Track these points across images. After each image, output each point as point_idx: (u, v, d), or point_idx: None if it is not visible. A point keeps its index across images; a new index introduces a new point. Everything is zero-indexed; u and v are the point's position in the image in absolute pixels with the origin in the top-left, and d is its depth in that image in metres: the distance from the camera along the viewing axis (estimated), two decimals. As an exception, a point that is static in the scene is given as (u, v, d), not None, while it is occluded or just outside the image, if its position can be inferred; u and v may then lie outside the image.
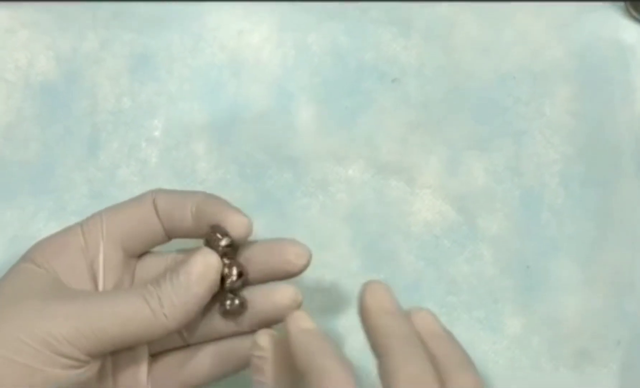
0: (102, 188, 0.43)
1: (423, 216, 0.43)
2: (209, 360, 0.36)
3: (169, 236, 0.36)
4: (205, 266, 0.33)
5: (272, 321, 0.35)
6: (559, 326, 0.41)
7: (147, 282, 0.34)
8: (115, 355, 0.35)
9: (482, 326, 0.41)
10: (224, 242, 0.34)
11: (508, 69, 0.44)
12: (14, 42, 0.44)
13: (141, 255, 0.37)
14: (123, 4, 0.44)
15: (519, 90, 0.44)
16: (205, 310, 0.35)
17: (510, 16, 0.44)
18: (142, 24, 0.44)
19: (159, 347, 0.36)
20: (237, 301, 0.34)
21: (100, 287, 0.35)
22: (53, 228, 0.38)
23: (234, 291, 0.35)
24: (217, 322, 0.35)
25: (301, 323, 0.31)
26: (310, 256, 0.35)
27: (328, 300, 0.42)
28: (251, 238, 0.35)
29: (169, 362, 0.36)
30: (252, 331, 0.35)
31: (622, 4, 0.44)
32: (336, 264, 0.42)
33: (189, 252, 0.35)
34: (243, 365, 0.35)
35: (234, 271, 0.34)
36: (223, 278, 0.34)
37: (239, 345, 0.35)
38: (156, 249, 0.37)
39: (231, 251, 0.34)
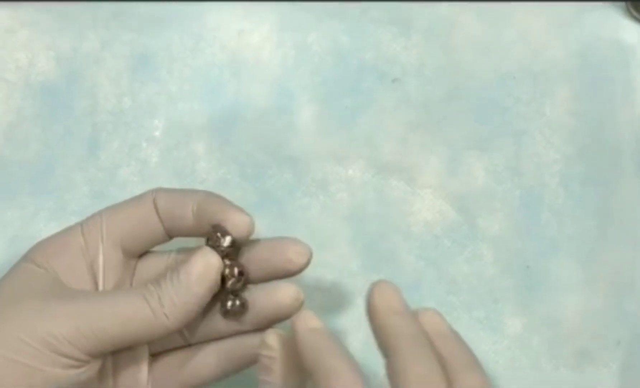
0: (103, 188, 0.43)
1: (423, 216, 0.43)
2: (210, 359, 0.36)
3: (170, 235, 0.36)
4: (205, 266, 0.33)
5: (274, 321, 0.35)
6: (559, 326, 0.41)
7: (148, 282, 0.34)
8: (115, 355, 0.35)
9: (482, 326, 0.41)
10: (225, 242, 0.34)
11: (508, 69, 0.44)
12: (14, 42, 0.44)
13: (142, 254, 0.37)
14: (123, 4, 0.44)
15: (519, 90, 0.44)
16: (206, 309, 0.35)
17: (511, 16, 0.44)
18: (143, 24, 0.44)
19: (160, 347, 0.36)
20: (238, 302, 0.34)
21: (101, 287, 0.35)
22: (53, 228, 0.38)
23: (235, 292, 0.35)
24: (218, 322, 0.35)
25: (309, 322, 0.31)
26: (311, 254, 0.35)
27: (328, 300, 0.42)
28: (252, 237, 0.35)
29: (169, 362, 0.36)
30: (254, 330, 0.35)
31: (622, 3, 0.44)
32: (336, 264, 0.42)
33: (189, 252, 0.35)
34: (244, 365, 0.36)
35: (235, 271, 0.34)
36: (224, 279, 0.34)
37: (241, 345, 0.35)
38: (157, 248, 0.37)
39: (233, 251, 0.34)
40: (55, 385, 0.31)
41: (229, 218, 0.34)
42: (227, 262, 0.34)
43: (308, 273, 0.40)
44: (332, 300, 0.42)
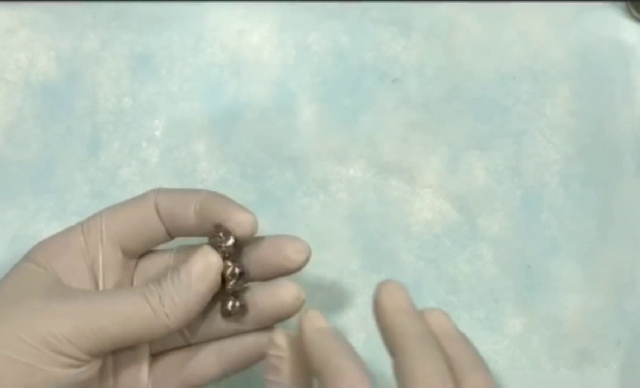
0: (103, 188, 0.43)
1: (423, 215, 0.43)
2: (211, 359, 0.36)
3: (171, 235, 0.36)
4: (206, 265, 0.33)
5: (274, 320, 0.35)
6: (559, 326, 0.41)
7: (148, 281, 0.34)
8: (116, 354, 0.35)
9: (483, 326, 0.41)
10: (228, 242, 0.34)
11: (508, 69, 0.44)
12: (15, 42, 0.44)
13: (142, 254, 0.37)
14: (123, 4, 0.44)
15: (519, 90, 0.44)
16: (207, 309, 0.35)
17: (511, 16, 0.44)
18: (143, 24, 0.44)
19: (160, 347, 0.36)
20: (238, 304, 0.34)
21: (101, 287, 0.35)
22: (54, 228, 0.38)
23: (236, 293, 0.35)
24: (218, 322, 0.35)
25: (315, 322, 0.31)
26: (310, 252, 0.35)
27: (328, 299, 0.42)
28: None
29: (170, 362, 0.36)
30: (255, 330, 0.35)
31: (622, 3, 0.44)
32: (336, 263, 0.42)
33: (190, 251, 0.35)
34: (245, 365, 0.36)
35: (236, 272, 0.34)
36: (224, 279, 0.34)
37: (241, 345, 0.35)
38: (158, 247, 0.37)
39: (235, 251, 0.34)
40: (55, 385, 0.31)
41: (232, 216, 0.34)
42: (229, 263, 0.34)
43: (308, 272, 0.40)
44: (332, 299, 0.42)
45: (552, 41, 0.44)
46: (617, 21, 0.44)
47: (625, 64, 0.44)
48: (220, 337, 0.36)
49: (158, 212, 0.35)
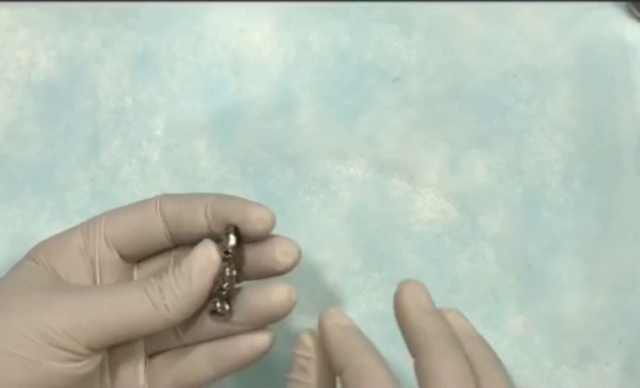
0: (104, 187, 0.43)
1: (424, 214, 0.43)
2: (203, 360, 0.35)
3: (175, 241, 0.36)
4: (207, 258, 0.33)
5: (266, 320, 0.35)
6: (561, 325, 0.41)
7: (149, 275, 0.34)
8: (112, 353, 0.35)
9: (484, 324, 0.41)
10: (230, 243, 0.34)
11: (509, 68, 0.44)
12: (15, 41, 0.44)
13: (142, 258, 0.37)
14: (124, 3, 0.44)
15: (520, 89, 0.44)
16: (200, 309, 0.35)
17: (512, 15, 0.44)
18: (143, 23, 0.44)
19: (156, 347, 0.36)
20: (227, 305, 0.34)
21: (100, 285, 0.35)
22: (55, 226, 0.38)
23: (227, 294, 0.34)
24: (210, 322, 0.35)
25: (337, 319, 0.31)
26: (299, 254, 0.35)
27: (329, 299, 0.42)
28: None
29: (164, 362, 0.36)
30: (246, 331, 0.35)
31: (624, 3, 0.44)
32: (337, 262, 0.42)
33: (189, 248, 0.35)
34: (237, 366, 0.35)
35: (233, 274, 0.34)
36: (217, 279, 0.34)
37: (234, 345, 0.35)
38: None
39: (234, 253, 0.34)
40: (54, 379, 0.31)
41: (251, 214, 0.34)
42: (226, 264, 0.34)
43: (309, 271, 0.40)
44: (333, 298, 0.42)
45: (553, 40, 0.44)
46: (618, 20, 0.44)
47: (626, 63, 0.44)
48: (212, 338, 0.35)
49: (164, 219, 0.35)
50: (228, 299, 0.34)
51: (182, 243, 0.36)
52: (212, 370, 0.35)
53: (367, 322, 0.41)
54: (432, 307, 0.31)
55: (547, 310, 0.41)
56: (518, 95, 0.44)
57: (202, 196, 0.35)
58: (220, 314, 0.34)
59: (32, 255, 0.35)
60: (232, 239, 0.34)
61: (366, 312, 0.42)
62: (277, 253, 0.34)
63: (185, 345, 0.36)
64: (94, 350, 0.32)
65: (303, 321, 0.41)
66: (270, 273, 0.35)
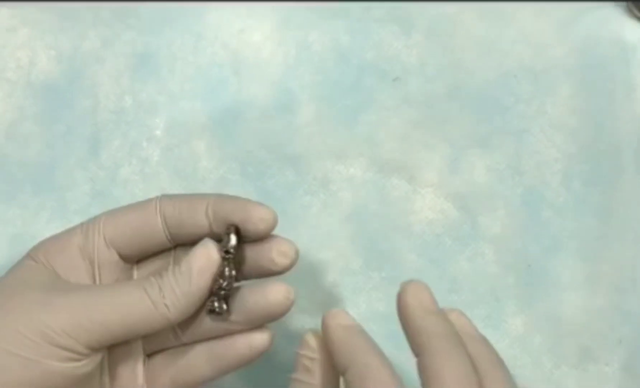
0: (104, 187, 0.43)
1: (424, 214, 0.43)
2: (201, 359, 0.35)
3: (175, 241, 0.36)
4: (207, 258, 0.33)
5: (264, 319, 0.35)
6: (561, 325, 0.41)
7: (149, 274, 0.34)
8: (111, 353, 0.35)
9: (484, 324, 0.41)
10: (230, 243, 0.34)
11: (509, 68, 0.44)
12: (15, 41, 0.44)
13: (141, 259, 0.37)
14: (124, 3, 0.44)
15: (520, 89, 0.44)
16: (199, 308, 0.35)
17: (512, 15, 0.44)
18: (143, 23, 0.44)
19: (154, 346, 0.36)
20: (224, 306, 0.34)
21: (99, 285, 0.35)
22: (55, 226, 0.38)
23: (225, 294, 0.34)
24: (208, 321, 0.35)
25: (341, 319, 0.31)
26: (296, 255, 0.35)
27: (329, 299, 0.42)
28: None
29: (162, 361, 0.36)
30: (244, 330, 0.35)
31: (624, 3, 0.44)
32: (337, 262, 0.42)
33: (189, 247, 0.35)
34: (235, 365, 0.35)
35: (232, 274, 0.34)
36: (216, 278, 0.34)
37: (232, 345, 0.35)
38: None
39: (234, 253, 0.34)
40: (53, 378, 0.31)
41: (252, 214, 0.34)
42: (225, 263, 0.34)
43: (309, 271, 0.40)
44: (333, 298, 0.42)
45: (553, 40, 0.44)
46: (618, 20, 0.44)
47: (626, 63, 0.44)
48: (211, 337, 0.35)
49: (164, 219, 0.35)
50: (226, 298, 0.34)
51: (181, 243, 0.36)
52: (211, 369, 0.35)
53: (367, 322, 0.40)
54: (435, 307, 0.31)
55: (547, 310, 0.41)
56: (518, 95, 0.44)
57: (202, 196, 0.35)
58: (218, 313, 0.34)
59: (31, 255, 0.35)
60: (233, 239, 0.34)
61: (366, 312, 0.42)
62: (274, 254, 0.34)
63: (184, 345, 0.36)
64: (94, 349, 0.32)
65: (303, 321, 0.41)
66: (267, 273, 0.35)
